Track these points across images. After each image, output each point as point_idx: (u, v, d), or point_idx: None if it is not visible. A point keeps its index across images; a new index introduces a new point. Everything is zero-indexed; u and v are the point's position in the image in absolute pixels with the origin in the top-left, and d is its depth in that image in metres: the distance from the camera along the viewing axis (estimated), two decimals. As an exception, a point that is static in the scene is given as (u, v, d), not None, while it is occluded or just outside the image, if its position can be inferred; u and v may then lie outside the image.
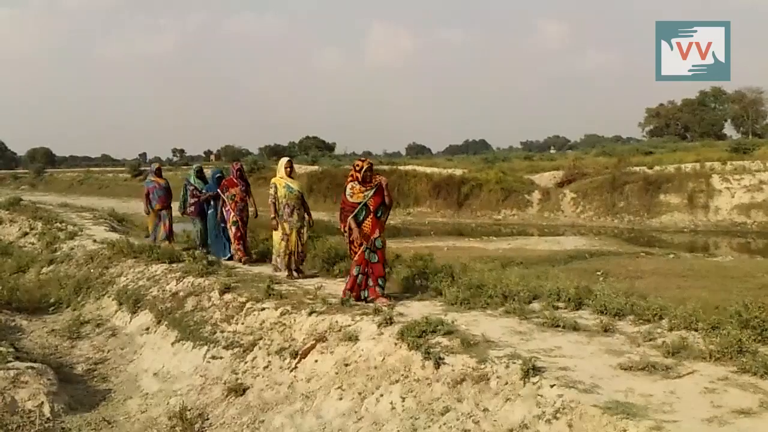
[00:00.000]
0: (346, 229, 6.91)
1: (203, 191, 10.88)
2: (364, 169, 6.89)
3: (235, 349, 6.56)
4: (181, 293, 8.30)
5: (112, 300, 9.36)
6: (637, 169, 31.90)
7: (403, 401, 4.79)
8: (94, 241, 12.75)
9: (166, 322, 7.83)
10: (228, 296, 7.58)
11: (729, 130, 65.29)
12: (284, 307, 6.75)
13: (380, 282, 6.89)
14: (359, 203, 6.82)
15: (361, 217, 6.83)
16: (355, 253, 6.87)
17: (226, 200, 9.99)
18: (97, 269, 10.67)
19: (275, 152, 73.04)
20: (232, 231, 9.97)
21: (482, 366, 4.60)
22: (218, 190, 10.26)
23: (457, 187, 34.59)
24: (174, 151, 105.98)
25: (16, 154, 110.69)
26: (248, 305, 7.14)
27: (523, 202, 32.70)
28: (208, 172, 11.75)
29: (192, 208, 11.07)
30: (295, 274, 8.42)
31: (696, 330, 5.12)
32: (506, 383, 4.35)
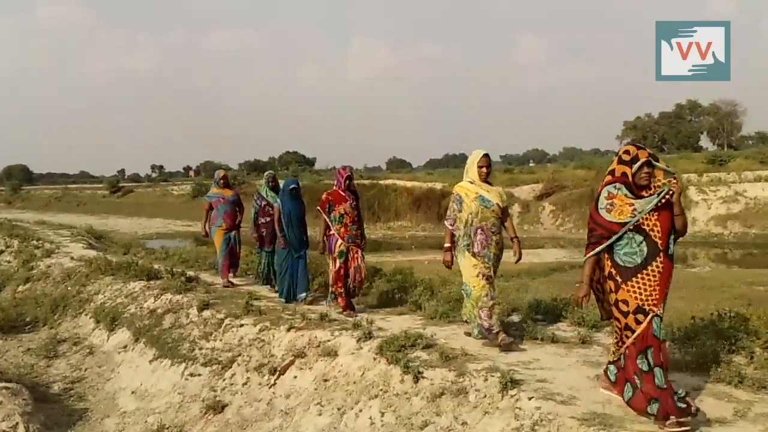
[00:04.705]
0: (588, 276, 4.02)
1: (275, 205, 8.03)
2: (640, 164, 3.82)
3: (214, 366, 6.51)
4: (159, 310, 8.23)
5: (90, 318, 9.26)
6: (616, 181, 32.23)
7: (383, 416, 4.78)
8: (72, 258, 12.66)
9: (143, 340, 7.74)
10: (206, 313, 7.52)
11: (705, 142, 66.36)
12: (263, 323, 6.71)
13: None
14: (623, 224, 3.82)
15: (640, 259, 3.79)
16: (623, 314, 3.86)
17: (330, 223, 6.98)
18: (75, 287, 10.56)
19: (255, 168, 73.00)
20: (334, 266, 6.91)
21: (461, 379, 4.61)
22: (318, 207, 7.06)
23: (438, 201, 34.70)
24: (153, 167, 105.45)
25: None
26: (227, 322, 7.09)
27: (503, 215, 32.84)
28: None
29: (264, 231, 8.57)
30: (504, 339, 5.31)
31: (673, 341, 5.17)
32: (485, 396, 4.36)
